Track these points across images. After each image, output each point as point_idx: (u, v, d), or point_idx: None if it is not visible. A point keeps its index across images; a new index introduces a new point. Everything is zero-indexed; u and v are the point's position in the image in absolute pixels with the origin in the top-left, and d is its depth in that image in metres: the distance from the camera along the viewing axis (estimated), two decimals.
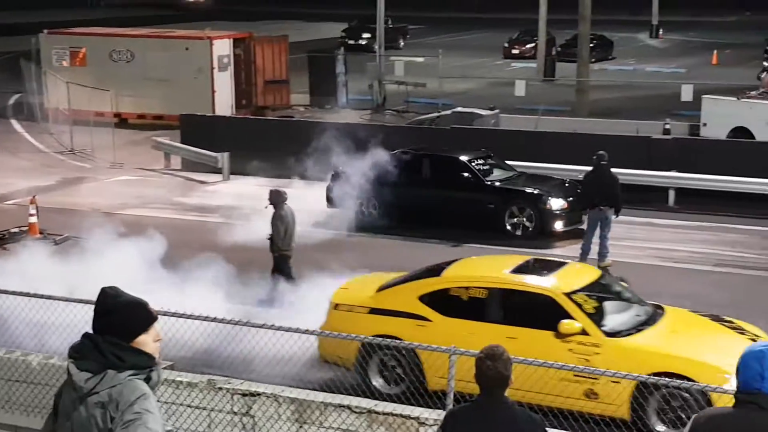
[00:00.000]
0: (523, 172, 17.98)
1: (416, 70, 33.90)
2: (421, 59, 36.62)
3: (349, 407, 7.33)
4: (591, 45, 33.82)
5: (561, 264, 10.67)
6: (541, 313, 9.56)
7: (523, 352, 8.26)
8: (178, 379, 7.97)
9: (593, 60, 36.78)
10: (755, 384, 3.87)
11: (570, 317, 9.37)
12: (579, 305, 9.51)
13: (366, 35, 46.38)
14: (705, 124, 25.13)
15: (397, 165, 17.51)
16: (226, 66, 29.24)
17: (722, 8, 60.88)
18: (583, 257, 15.24)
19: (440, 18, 62.66)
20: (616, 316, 9.73)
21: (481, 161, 17.54)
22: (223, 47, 29.24)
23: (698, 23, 57.59)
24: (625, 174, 17.05)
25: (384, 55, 32.75)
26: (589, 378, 8.84)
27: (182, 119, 24.37)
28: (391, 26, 42.90)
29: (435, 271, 10.50)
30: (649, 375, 7.87)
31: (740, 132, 23.88)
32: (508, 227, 16.64)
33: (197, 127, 23.83)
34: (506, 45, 47.27)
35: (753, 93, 25.59)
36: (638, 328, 9.57)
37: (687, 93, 28.50)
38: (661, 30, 53.10)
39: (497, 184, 17.03)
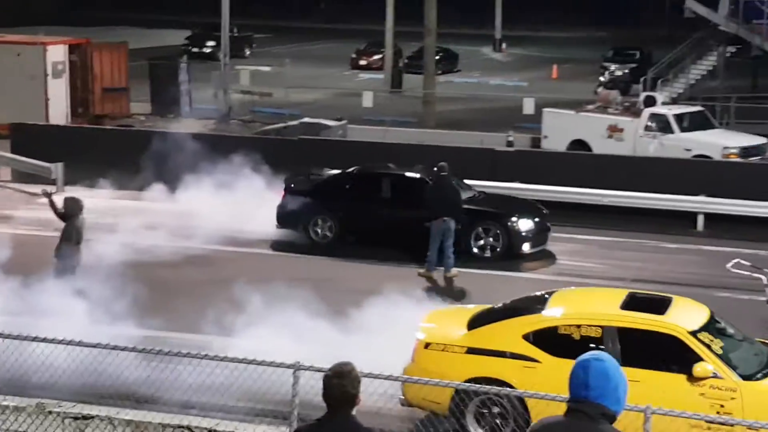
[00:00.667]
0: (483, 192, 17.65)
1: (263, 80, 33.67)
2: (267, 68, 36.41)
3: (188, 427, 7.10)
4: (437, 57, 34.54)
5: (668, 299, 9.77)
6: (665, 353, 8.99)
7: (648, 396, 7.98)
8: (4, 403, 7.52)
9: (439, 72, 37.55)
10: (582, 392, 4.00)
11: (698, 358, 8.76)
12: (707, 345, 8.92)
13: (210, 43, 45.71)
14: (546, 137, 26.08)
15: (354, 183, 17.20)
16: (60, 73, 28.14)
17: (562, 24, 63.45)
18: (429, 268, 15.45)
19: (286, 27, 62.49)
20: (739, 356, 9.17)
21: None
22: (57, 53, 28.14)
23: (539, 38, 59.75)
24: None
25: (229, 63, 32.35)
26: (724, 425, 8.37)
27: (13, 128, 23.27)
28: (236, 35, 42.43)
29: (534, 306, 9.76)
30: None
31: (578, 144, 24.91)
32: (474, 249, 16.22)
33: (29, 136, 22.81)
34: (354, 56, 47.64)
35: (590, 107, 26.73)
36: (765, 370, 9.07)
37: (529, 106, 29.52)
38: (504, 44, 54.81)
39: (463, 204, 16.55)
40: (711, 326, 9.28)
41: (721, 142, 23.41)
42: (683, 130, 24.06)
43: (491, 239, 16.25)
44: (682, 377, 8.77)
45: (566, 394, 7.01)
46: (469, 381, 8.79)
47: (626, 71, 39.76)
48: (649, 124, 24.42)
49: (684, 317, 9.33)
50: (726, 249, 16.21)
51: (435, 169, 15.59)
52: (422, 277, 15.43)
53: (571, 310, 9.52)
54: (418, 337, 9.61)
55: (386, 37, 38.90)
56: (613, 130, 24.97)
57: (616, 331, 9.04)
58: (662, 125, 24.23)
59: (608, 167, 20.36)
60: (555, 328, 9.23)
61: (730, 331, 9.57)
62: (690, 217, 18.97)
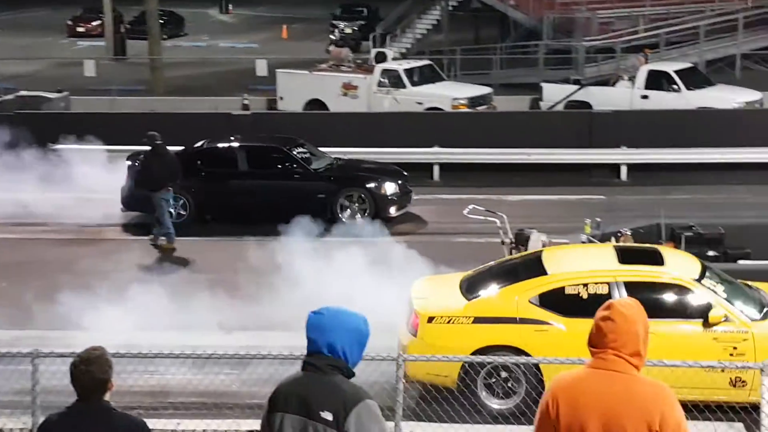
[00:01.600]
0: (339, 158, 17.47)
1: None
2: None
3: None
4: (161, 21, 33.66)
5: (656, 250, 10.04)
6: (674, 303, 9.24)
7: (665, 345, 8.28)
8: None
9: (165, 37, 36.67)
10: (311, 347, 4.22)
11: (708, 304, 9.07)
12: (713, 291, 9.23)
13: None
14: (281, 98, 26.26)
15: (207, 157, 16.57)
16: None
17: None
18: (170, 240, 15.22)
19: None
20: (739, 299, 9.41)
21: (299, 149, 16.93)
22: None
23: None
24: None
25: None
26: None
27: None
28: None
29: (531, 269, 9.68)
30: None
31: (315, 104, 25.29)
32: (341, 216, 16.11)
33: None
34: (70, 23, 45.40)
35: (323, 66, 27.16)
36: (764, 309, 9.36)
37: (262, 68, 29.54)
38: (230, 5, 54.29)
39: (325, 172, 16.59)
40: (706, 272, 9.56)
41: (450, 94, 24.56)
42: (414, 84, 24.93)
43: (357, 205, 16.33)
44: (695, 324, 9.06)
45: (580, 353, 6.93)
46: (480, 350, 8.87)
47: (355, 28, 40.72)
48: (382, 80, 25.18)
49: (683, 266, 9.61)
50: (461, 196, 17.12)
51: (146, 138, 15.33)
52: (166, 248, 15.19)
53: (573, 269, 9.58)
54: (416, 311, 9.40)
55: (104, 1, 37.36)
56: (348, 88, 25.54)
57: (624, 286, 9.19)
58: (394, 80, 25.05)
59: (345, 125, 20.84)
60: (562, 289, 9.29)
61: (720, 275, 9.80)
62: (427, 168, 19.86)
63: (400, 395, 7.48)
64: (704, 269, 9.62)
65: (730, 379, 8.79)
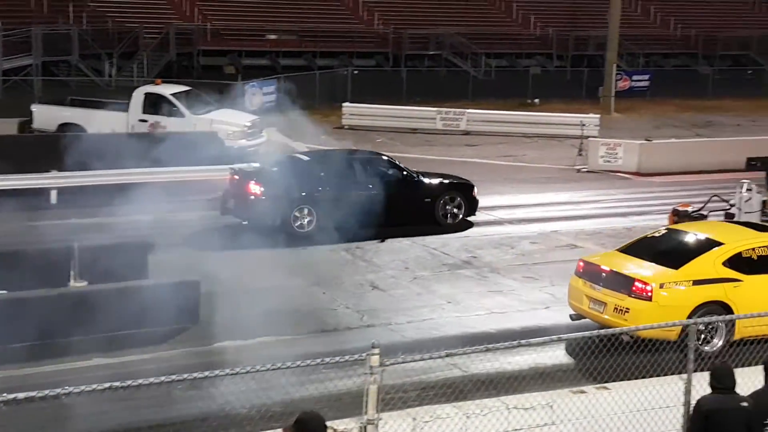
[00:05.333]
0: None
1: None
2: None
3: None
4: None
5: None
6: None
7: None
8: None
9: None
10: None
11: None
12: None
13: None
14: None
15: (332, 167, 17.58)
16: None
17: None
18: None
19: None
20: None
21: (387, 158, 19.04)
22: None
23: None
24: None
25: None
26: None
27: None
28: None
29: (701, 240, 12.74)
30: None
31: None
32: (441, 217, 18.44)
33: None
34: None
35: None
36: None
37: None
38: None
39: (425, 178, 18.66)
40: None
41: None
42: None
43: (455, 208, 18.58)
44: None
45: (762, 301, 12.18)
46: (699, 306, 11.89)
47: None
48: None
49: None
50: None
51: None
52: None
53: (739, 238, 12.81)
54: (643, 280, 12.01)
55: None
56: None
57: None
58: None
59: None
60: (740, 254, 12.44)
61: None
62: None
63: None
64: None
65: None
